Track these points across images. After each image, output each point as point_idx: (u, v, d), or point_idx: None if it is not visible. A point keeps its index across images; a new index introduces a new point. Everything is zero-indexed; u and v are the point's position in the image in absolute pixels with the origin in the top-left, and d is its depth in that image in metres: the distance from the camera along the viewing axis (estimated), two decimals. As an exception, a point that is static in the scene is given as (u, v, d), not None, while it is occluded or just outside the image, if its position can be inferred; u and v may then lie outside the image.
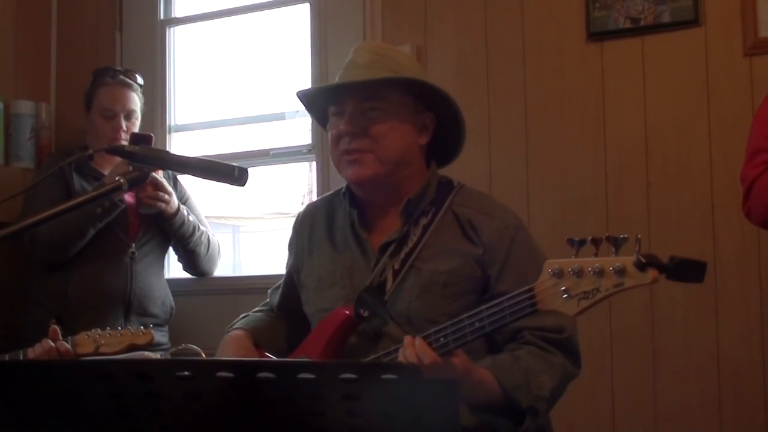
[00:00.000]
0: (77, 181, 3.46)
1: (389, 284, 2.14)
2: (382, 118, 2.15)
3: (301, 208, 2.50)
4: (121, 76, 3.58)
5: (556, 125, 3.28)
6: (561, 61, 3.29)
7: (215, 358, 2.29)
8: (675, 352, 3.07)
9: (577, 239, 1.69)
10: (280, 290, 2.45)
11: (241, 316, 2.46)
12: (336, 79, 2.24)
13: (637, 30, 3.17)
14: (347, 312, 2.13)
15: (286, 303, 2.43)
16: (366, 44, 2.31)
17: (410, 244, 2.16)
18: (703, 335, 3.01)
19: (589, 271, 1.67)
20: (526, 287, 1.79)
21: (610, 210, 3.18)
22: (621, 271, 1.64)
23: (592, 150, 3.22)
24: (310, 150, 3.79)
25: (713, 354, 3.02)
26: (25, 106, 3.95)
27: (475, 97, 3.34)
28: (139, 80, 3.62)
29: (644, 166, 3.15)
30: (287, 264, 2.44)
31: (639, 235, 1.63)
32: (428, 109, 2.22)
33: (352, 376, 1.30)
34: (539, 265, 2.10)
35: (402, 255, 2.16)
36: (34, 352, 2.51)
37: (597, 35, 3.23)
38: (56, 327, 2.56)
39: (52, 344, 2.52)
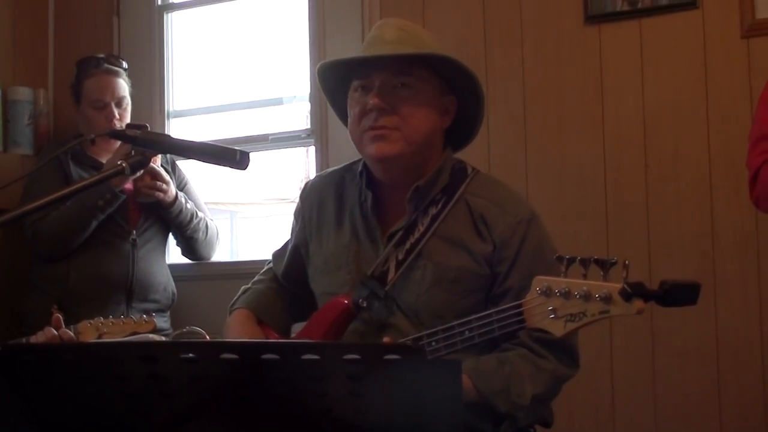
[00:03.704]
0: (75, 171, 3.45)
1: (391, 275, 2.11)
2: (412, 97, 2.08)
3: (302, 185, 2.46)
4: (106, 65, 3.53)
5: (554, 108, 3.29)
6: (559, 44, 3.29)
7: (219, 339, 2.29)
8: (674, 334, 3.08)
9: (566, 257, 1.67)
10: (285, 259, 2.40)
11: (242, 289, 2.43)
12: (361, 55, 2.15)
13: (635, 13, 3.18)
14: (345, 302, 2.11)
15: (291, 273, 2.39)
16: (392, 20, 2.22)
17: (416, 234, 2.11)
18: (701, 317, 3.02)
19: (576, 294, 1.65)
20: (515, 303, 1.78)
21: (609, 192, 3.19)
22: (607, 299, 1.61)
23: (590, 132, 3.22)
24: (308, 135, 3.79)
25: (712, 336, 3.03)
26: (22, 93, 3.93)
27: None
28: (124, 65, 3.58)
29: (642, 148, 3.15)
30: (293, 232, 2.39)
31: (627, 261, 1.59)
32: (451, 92, 2.17)
33: (356, 356, 1.31)
34: (547, 262, 2.09)
35: (407, 245, 2.11)
36: (36, 339, 2.51)
37: (595, 18, 3.23)
38: (59, 315, 2.56)
39: (55, 332, 2.52)
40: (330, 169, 2.41)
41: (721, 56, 3.07)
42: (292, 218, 2.43)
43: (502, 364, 2.00)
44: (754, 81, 2.96)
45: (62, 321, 2.53)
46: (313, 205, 2.32)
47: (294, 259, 2.38)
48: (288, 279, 2.41)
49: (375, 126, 2.08)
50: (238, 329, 2.29)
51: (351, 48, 2.21)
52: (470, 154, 2.33)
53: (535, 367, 2.03)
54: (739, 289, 3.01)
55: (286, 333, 2.40)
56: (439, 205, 2.14)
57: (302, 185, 2.44)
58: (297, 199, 2.42)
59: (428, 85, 2.11)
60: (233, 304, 2.39)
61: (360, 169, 2.22)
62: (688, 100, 3.10)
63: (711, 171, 3.06)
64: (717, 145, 3.06)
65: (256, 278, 2.48)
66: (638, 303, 1.60)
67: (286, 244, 2.44)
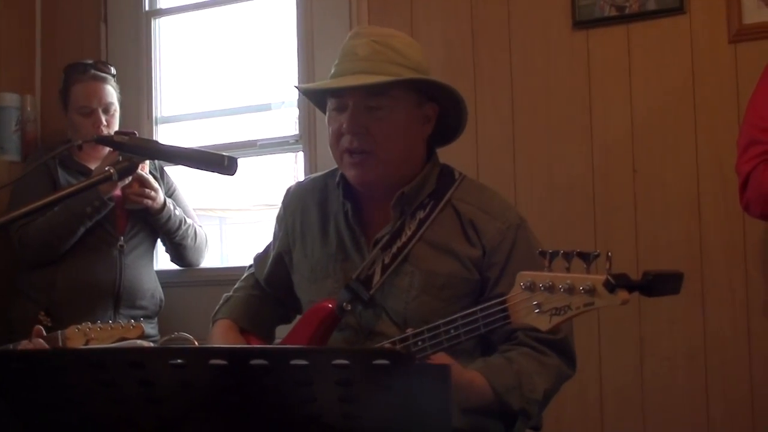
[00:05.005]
0: (63, 176, 3.44)
1: (376, 278, 2.10)
2: (385, 117, 2.07)
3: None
4: (93, 71, 3.52)
5: (542, 113, 3.29)
6: (547, 50, 3.30)
7: (208, 345, 2.28)
8: (662, 339, 3.09)
9: (549, 251, 1.67)
10: (268, 265, 2.39)
11: (224, 297, 2.43)
12: (333, 69, 2.14)
13: (623, 18, 3.18)
14: (330, 305, 2.10)
15: (274, 280, 2.38)
16: (365, 31, 2.18)
17: (404, 238, 2.11)
18: (689, 322, 3.03)
19: (560, 288, 1.65)
20: (499, 299, 1.77)
21: (597, 198, 3.19)
22: (590, 291, 1.61)
23: (578, 138, 3.23)
24: (297, 140, 3.79)
25: (700, 341, 3.04)
26: (10, 99, 3.93)
27: (461, 86, 3.23)
28: (112, 70, 3.57)
29: (630, 153, 3.16)
30: (276, 239, 2.37)
31: (610, 253, 1.59)
32: (431, 99, 2.15)
33: (344, 362, 1.30)
34: (538, 267, 2.09)
35: (394, 249, 2.11)
36: (24, 347, 2.50)
37: (583, 23, 3.24)
38: (40, 327, 2.55)
39: (44, 342, 2.51)
40: (312, 176, 2.41)
41: (708, 61, 3.08)
42: (274, 222, 2.42)
43: (510, 361, 2.01)
44: (742, 86, 2.97)
45: (43, 331, 2.52)
46: (296, 212, 2.31)
47: (277, 266, 2.37)
48: (271, 285, 2.40)
49: (351, 149, 2.08)
50: (221, 341, 2.29)
51: (339, 55, 2.19)
52: (459, 159, 2.33)
53: (540, 363, 2.04)
54: (726, 294, 3.02)
55: (269, 339, 2.39)
56: (427, 209, 2.14)
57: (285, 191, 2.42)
58: (284, 198, 2.40)
59: (403, 102, 2.10)
60: (215, 315, 2.39)
61: (338, 179, 2.21)
62: (676, 105, 3.11)
63: (699, 176, 3.07)
64: (705, 149, 3.06)
65: (237, 285, 2.47)
66: (622, 294, 1.59)
67: (268, 248, 2.43)
